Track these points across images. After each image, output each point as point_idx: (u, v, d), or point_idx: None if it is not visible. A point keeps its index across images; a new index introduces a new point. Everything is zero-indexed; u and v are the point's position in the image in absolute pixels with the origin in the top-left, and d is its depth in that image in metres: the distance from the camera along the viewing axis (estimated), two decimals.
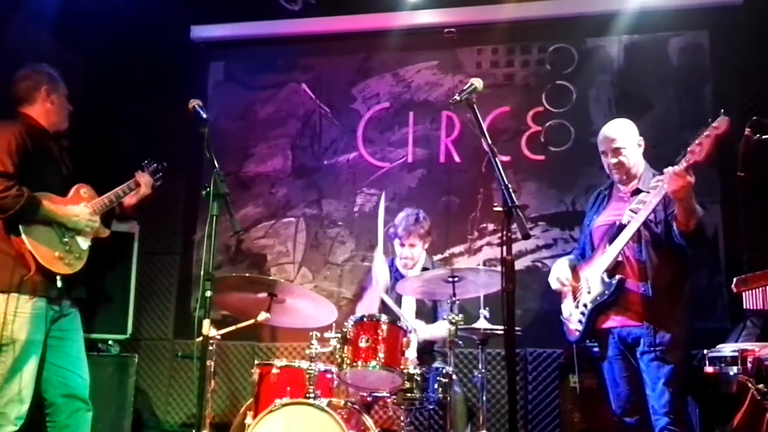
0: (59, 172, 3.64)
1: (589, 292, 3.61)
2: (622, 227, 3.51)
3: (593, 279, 3.59)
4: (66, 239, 3.50)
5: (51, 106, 3.66)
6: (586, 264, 3.72)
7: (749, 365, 3.36)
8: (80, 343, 3.66)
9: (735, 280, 3.60)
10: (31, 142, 3.46)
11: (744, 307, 3.58)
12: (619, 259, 3.53)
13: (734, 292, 3.60)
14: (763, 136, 3.37)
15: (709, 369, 3.70)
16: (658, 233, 3.51)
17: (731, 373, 3.48)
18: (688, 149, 3.29)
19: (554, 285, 3.80)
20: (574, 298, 3.71)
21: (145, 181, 3.88)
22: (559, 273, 3.77)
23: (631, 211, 3.49)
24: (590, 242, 3.80)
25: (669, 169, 3.32)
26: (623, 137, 3.67)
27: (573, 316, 3.69)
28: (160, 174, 4.07)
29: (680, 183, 3.25)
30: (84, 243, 3.60)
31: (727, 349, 3.65)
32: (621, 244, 3.48)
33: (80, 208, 3.59)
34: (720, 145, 3.27)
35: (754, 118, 3.40)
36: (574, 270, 3.76)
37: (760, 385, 3.29)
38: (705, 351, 3.81)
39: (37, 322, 3.39)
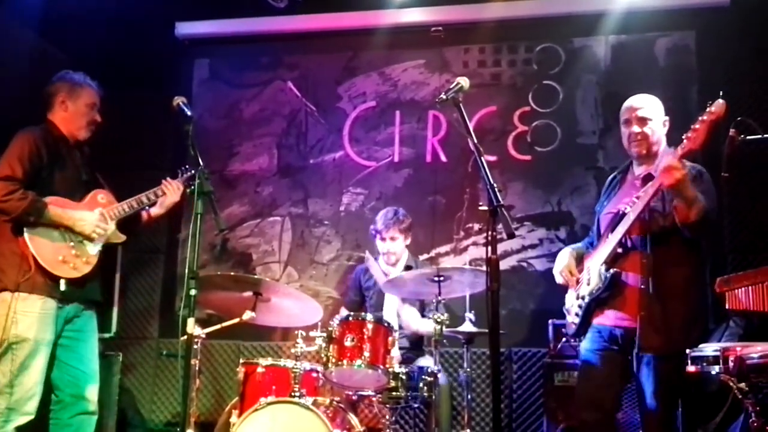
0: (78, 178, 3.64)
1: (588, 284, 3.40)
2: (623, 216, 3.27)
3: (593, 270, 3.38)
4: (72, 243, 3.50)
5: (65, 114, 3.65)
6: (593, 252, 3.48)
7: (731, 364, 3.35)
8: (93, 345, 3.68)
9: (718, 280, 3.58)
10: (46, 148, 3.51)
11: (727, 307, 3.57)
12: (619, 250, 3.30)
13: (717, 293, 3.60)
14: (748, 137, 3.38)
15: (691, 368, 3.70)
16: (665, 224, 3.24)
17: (713, 373, 3.49)
18: (684, 136, 3.12)
19: (557, 279, 3.57)
20: (576, 289, 3.50)
21: (172, 188, 3.81)
22: (560, 265, 3.55)
23: (636, 198, 3.23)
24: (598, 230, 3.55)
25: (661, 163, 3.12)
26: (650, 107, 3.46)
27: (572, 307, 3.49)
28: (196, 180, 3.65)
29: (676, 176, 3.05)
30: (93, 248, 3.58)
31: (709, 348, 3.65)
32: (619, 234, 3.26)
33: (88, 213, 3.57)
34: (715, 132, 3.08)
35: (739, 118, 3.39)
36: (581, 259, 3.54)
37: (742, 384, 3.30)
38: (687, 350, 3.82)
39: (47, 321, 3.41)
